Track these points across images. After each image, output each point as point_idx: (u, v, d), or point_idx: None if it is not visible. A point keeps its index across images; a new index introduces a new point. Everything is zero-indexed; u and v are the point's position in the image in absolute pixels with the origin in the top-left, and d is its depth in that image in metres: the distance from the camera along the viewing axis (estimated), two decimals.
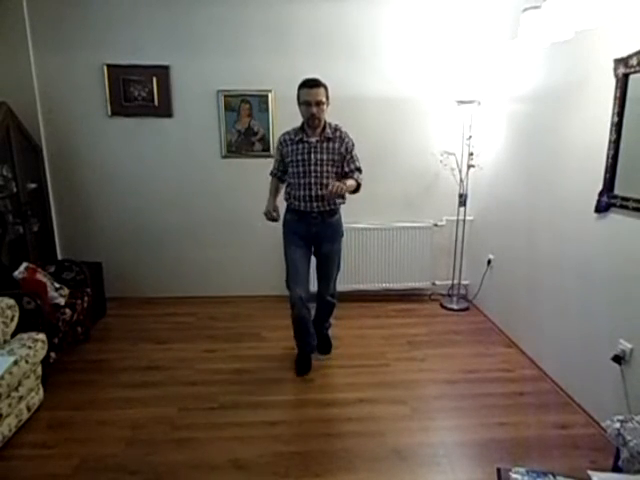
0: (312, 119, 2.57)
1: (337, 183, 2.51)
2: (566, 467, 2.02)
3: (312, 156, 2.62)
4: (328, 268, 2.86)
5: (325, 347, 3.09)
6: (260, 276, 4.02)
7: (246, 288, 4.06)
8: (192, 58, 3.64)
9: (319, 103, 2.54)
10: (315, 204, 2.67)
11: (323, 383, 2.68)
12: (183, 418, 2.42)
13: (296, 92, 2.62)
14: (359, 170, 2.71)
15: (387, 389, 2.71)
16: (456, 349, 3.22)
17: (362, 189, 2.75)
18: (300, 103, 2.60)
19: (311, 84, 2.54)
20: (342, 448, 2.20)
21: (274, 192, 2.85)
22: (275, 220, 2.77)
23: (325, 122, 2.64)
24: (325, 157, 2.63)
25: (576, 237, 2.55)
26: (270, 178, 2.88)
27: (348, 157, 2.69)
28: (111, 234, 3.90)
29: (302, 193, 2.66)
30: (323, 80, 2.59)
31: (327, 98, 2.59)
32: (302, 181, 2.65)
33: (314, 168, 2.63)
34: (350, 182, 2.63)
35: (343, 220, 2.88)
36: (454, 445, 2.24)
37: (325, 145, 2.63)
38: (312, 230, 2.73)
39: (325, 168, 2.64)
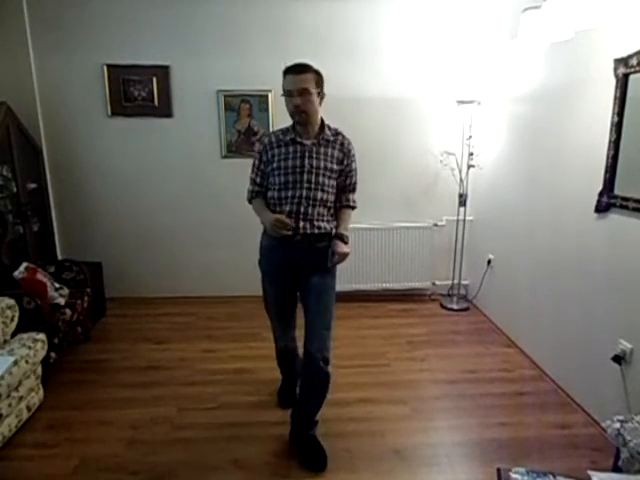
0: (297, 113, 2.00)
1: (340, 248, 2.07)
2: (566, 467, 2.01)
3: (306, 162, 2.04)
4: (318, 311, 2.10)
5: (317, 457, 2.11)
6: (260, 276, 4.01)
7: (246, 288, 4.05)
8: (192, 58, 3.64)
9: (304, 92, 1.96)
10: (302, 224, 2.06)
11: None
12: (183, 418, 2.42)
13: None
14: (354, 186, 2.22)
15: (387, 389, 2.71)
16: (456, 349, 3.22)
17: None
18: (283, 94, 2.04)
19: (296, 70, 1.98)
20: (342, 448, 2.19)
21: (265, 208, 2.17)
22: (289, 227, 2.03)
23: (323, 122, 2.11)
24: (322, 165, 2.05)
25: (576, 237, 2.55)
26: (252, 204, 2.27)
27: (347, 170, 2.15)
28: (111, 234, 3.90)
29: (287, 209, 2.05)
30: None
31: (319, 87, 2.02)
32: (289, 194, 2.05)
33: (307, 177, 2.03)
34: (348, 221, 2.21)
35: None
36: (454, 445, 2.24)
37: (323, 150, 2.07)
38: (294, 259, 2.10)
39: (321, 179, 2.05)
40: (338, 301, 2.50)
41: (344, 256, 2.08)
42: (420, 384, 2.77)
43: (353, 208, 2.24)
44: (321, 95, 2.05)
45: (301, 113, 2.00)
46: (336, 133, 2.15)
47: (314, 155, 2.06)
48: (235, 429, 2.33)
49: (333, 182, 2.12)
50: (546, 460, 2.11)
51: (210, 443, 2.23)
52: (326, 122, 2.13)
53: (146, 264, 3.98)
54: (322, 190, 2.07)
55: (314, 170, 2.05)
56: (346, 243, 2.11)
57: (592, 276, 2.42)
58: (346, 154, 2.14)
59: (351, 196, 2.22)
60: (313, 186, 2.05)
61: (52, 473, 2.03)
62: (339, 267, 2.23)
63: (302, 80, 1.96)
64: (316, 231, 2.08)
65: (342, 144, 2.13)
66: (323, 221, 2.10)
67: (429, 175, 3.95)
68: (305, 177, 2.04)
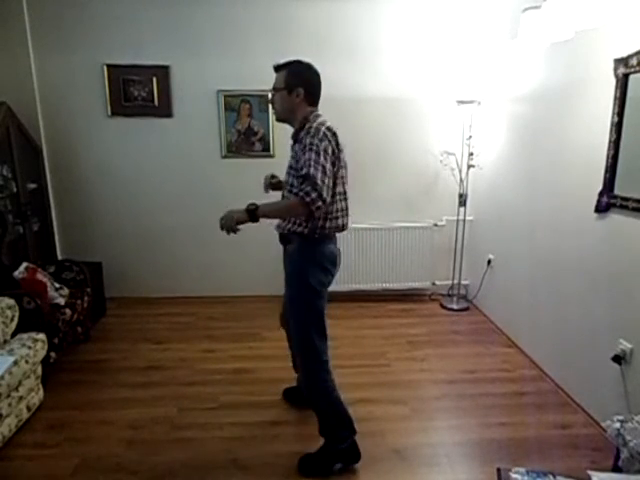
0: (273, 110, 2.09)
1: (227, 213, 1.85)
2: (566, 467, 2.02)
3: (288, 161, 2.05)
4: (291, 326, 2.09)
5: (300, 462, 2.08)
6: (260, 276, 4.02)
7: (246, 288, 4.06)
8: (192, 58, 3.64)
9: (273, 90, 2.00)
10: (276, 222, 2.06)
11: None
12: (183, 418, 2.42)
13: None
14: (307, 178, 1.77)
15: (387, 389, 2.71)
16: (456, 349, 3.22)
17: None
18: None
19: (274, 69, 2.03)
20: None
21: None
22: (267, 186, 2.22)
23: (306, 119, 1.95)
24: (291, 164, 1.99)
25: (576, 237, 2.55)
26: None
27: (301, 162, 1.84)
28: (111, 234, 3.90)
29: None
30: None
31: (291, 83, 1.94)
32: None
33: (284, 177, 2.07)
34: (276, 202, 1.91)
35: None
36: (454, 445, 2.24)
37: (295, 148, 1.97)
38: (284, 257, 2.16)
39: (290, 179, 1.98)
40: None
41: (225, 220, 1.84)
42: (420, 384, 2.77)
43: (297, 195, 1.78)
44: (296, 92, 1.94)
45: (274, 110, 2.06)
46: (308, 127, 1.90)
47: (291, 154, 2.02)
48: (235, 429, 2.33)
49: (297, 181, 1.91)
50: (546, 460, 2.11)
51: (210, 443, 2.23)
52: (312, 117, 1.96)
53: (146, 264, 3.98)
54: (289, 191, 1.96)
55: (287, 170, 2.03)
56: (248, 211, 1.83)
57: (592, 276, 2.42)
58: (301, 146, 1.87)
59: (301, 187, 1.79)
60: (284, 185, 2.04)
61: (52, 473, 2.03)
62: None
63: (275, 79, 2.00)
64: (280, 230, 2.04)
65: (302, 138, 1.89)
66: (287, 221, 1.98)
67: (429, 175, 3.95)
68: (284, 177, 2.08)
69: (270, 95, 2.04)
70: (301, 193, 1.76)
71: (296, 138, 1.97)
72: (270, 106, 2.13)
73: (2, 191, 3.09)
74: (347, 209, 2.03)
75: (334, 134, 1.90)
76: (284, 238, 2.05)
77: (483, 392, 2.68)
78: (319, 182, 1.76)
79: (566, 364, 2.67)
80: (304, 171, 1.79)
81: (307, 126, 1.90)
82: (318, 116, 1.97)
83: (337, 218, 1.96)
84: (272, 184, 2.24)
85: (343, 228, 2.01)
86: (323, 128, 1.87)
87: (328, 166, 1.81)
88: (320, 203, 1.76)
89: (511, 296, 3.37)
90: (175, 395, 2.62)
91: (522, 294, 3.19)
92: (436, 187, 3.98)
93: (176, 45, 3.61)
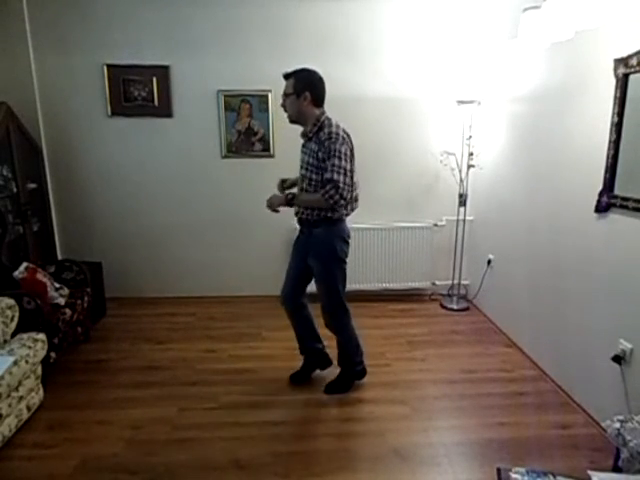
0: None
1: (272, 196, 2.38)
2: (566, 467, 2.02)
3: (301, 157, 2.41)
4: (318, 285, 2.56)
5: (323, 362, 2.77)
6: (260, 276, 4.02)
7: (246, 288, 4.06)
8: (192, 58, 3.64)
9: (284, 96, 2.35)
10: (295, 209, 2.46)
11: (323, 383, 2.69)
12: (183, 418, 2.42)
13: None
14: (331, 182, 2.21)
15: (387, 389, 2.71)
16: (456, 349, 3.22)
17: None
18: None
19: (283, 77, 2.36)
20: (342, 448, 2.20)
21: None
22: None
23: (318, 119, 2.31)
24: (305, 159, 2.36)
25: (576, 237, 2.55)
26: None
27: (324, 165, 2.25)
28: (111, 234, 3.90)
29: None
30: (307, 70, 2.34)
31: (300, 89, 2.28)
32: None
33: (299, 171, 2.42)
34: (307, 195, 2.36)
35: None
36: (454, 445, 2.24)
37: (308, 145, 2.34)
38: (302, 239, 2.54)
39: (306, 173, 2.35)
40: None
41: (271, 201, 2.38)
42: (420, 384, 2.77)
43: (323, 196, 2.23)
44: (303, 96, 2.28)
45: (286, 113, 2.38)
46: (321, 128, 2.29)
47: (304, 151, 2.38)
48: (235, 429, 2.33)
49: (316, 176, 2.30)
50: (546, 460, 2.11)
51: (210, 443, 2.23)
52: (324, 118, 2.32)
53: (146, 264, 3.98)
54: (307, 183, 2.35)
55: (301, 164, 2.39)
56: (286, 198, 2.34)
57: (592, 276, 2.42)
58: (320, 147, 2.25)
59: (325, 189, 2.22)
60: (301, 178, 2.39)
61: (52, 473, 2.03)
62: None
63: (285, 85, 2.33)
64: (300, 216, 2.44)
65: (320, 139, 2.27)
66: (315, 210, 2.36)
67: (429, 175, 3.95)
68: (299, 171, 2.42)
69: (282, 100, 2.37)
70: (326, 195, 2.21)
71: (310, 136, 2.32)
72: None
73: (2, 191, 3.09)
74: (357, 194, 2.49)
75: (348, 135, 2.32)
76: (309, 223, 2.41)
77: (483, 392, 2.68)
78: (341, 185, 2.20)
79: (566, 364, 2.67)
80: (328, 175, 2.21)
81: (327, 131, 2.25)
82: (329, 118, 2.32)
83: (354, 202, 2.44)
84: (284, 187, 2.58)
85: (353, 210, 2.48)
86: (341, 132, 2.27)
87: (349, 167, 2.25)
88: (342, 202, 2.25)
89: (511, 296, 3.37)
90: (175, 395, 2.62)
91: (522, 294, 3.19)
92: (436, 187, 3.98)
93: (176, 45, 3.61)
